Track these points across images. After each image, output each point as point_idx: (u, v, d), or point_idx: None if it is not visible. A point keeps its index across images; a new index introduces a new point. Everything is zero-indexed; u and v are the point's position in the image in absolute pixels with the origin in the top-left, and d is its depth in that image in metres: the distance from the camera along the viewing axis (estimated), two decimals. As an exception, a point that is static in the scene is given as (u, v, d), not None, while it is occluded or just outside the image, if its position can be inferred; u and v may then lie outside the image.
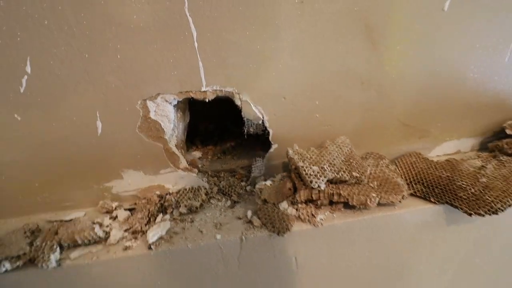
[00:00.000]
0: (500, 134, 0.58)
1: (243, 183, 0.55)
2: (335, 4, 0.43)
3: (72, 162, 0.49)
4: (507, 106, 0.57)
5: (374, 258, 0.50)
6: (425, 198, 0.48)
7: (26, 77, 0.42)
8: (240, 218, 0.47)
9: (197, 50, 0.43)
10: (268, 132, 0.52)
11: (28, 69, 0.42)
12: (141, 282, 0.45)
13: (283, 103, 0.49)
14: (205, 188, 0.53)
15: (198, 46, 0.43)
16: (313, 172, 0.45)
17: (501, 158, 0.53)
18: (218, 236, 0.44)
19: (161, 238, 0.44)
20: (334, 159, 0.47)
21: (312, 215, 0.45)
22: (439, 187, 0.48)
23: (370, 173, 0.48)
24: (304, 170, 0.45)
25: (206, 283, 0.47)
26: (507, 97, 0.56)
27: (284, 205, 0.47)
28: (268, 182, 0.49)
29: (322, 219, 0.45)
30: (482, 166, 0.51)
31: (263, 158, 0.55)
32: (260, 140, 0.63)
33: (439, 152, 0.60)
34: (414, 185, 0.50)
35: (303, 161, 0.46)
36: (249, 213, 0.47)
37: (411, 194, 0.49)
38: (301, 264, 0.48)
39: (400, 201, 0.45)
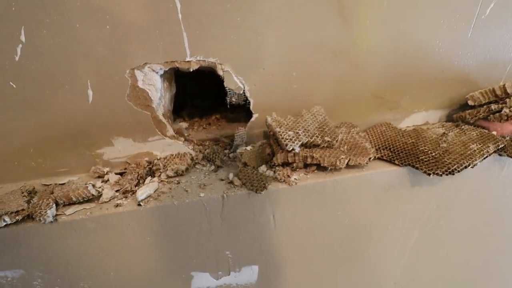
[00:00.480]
0: (465, 107, 0.63)
1: (226, 151, 0.59)
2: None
3: (65, 128, 0.52)
4: (471, 80, 0.62)
5: (345, 218, 0.56)
6: (391, 161, 0.53)
7: (21, 45, 0.45)
8: (222, 180, 0.51)
9: (181, 22, 0.47)
10: (249, 102, 0.55)
11: (23, 38, 0.44)
12: (132, 237, 0.49)
13: (262, 73, 0.53)
14: (191, 154, 0.57)
15: (182, 18, 0.46)
16: (288, 136, 0.49)
17: (462, 126, 0.58)
18: (202, 194, 0.48)
19: (149, 196, 0.48)
20: (309, 125, 0.51)
21: (288, 175, 0.49)
22: (404, 151, 0.53)
23: (342, 139, 0.53)
24: (281, 135, 0.49)
25: (192, 238, 0.51)
26: (470, 71, 0.60)
27: (263, 168, 0.52)
28: (249, 147, 0.53)
29: (296, 179, 0.49)
30: (444, 133, 0.56)
31: (245, 127, 0.59)
32: (243, 112, 0.67)
33: (409, 123, 0.65)
34: (382, 150, 0.55)
35: (280, 127, 0.50)
36: (231, 175, 0.51)
37: (379, 158, 0.54)
38: (278, 222, 0.53)
39: (367, 163, 0.50)
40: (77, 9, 0.43)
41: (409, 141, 0.55)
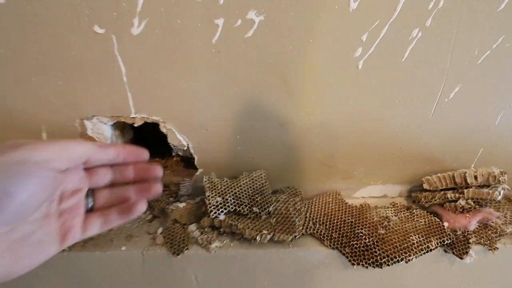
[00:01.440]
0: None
1: (171, 199, 0.60)
2: (250, 55, 0.47)
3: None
4: (436, 159, 0.58)
5: None
6: (321, 240, 0.51)
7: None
8: (150, 234, 0.53)
9: (125, 84, 0.49)
10: (194, 158, 0.57)
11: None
12: (55, 280, 0.52)
13: (206, 134, 0.54)
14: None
15: (127, 80, 0.49)
16: (216, 202, 0.49)
17: (414, 211, 0.55)
18: (123, 248, 0.50)
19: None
20: (242, 192, 0.51)
21: (209, 242, 0.49)
22: (338, 231, 0.51)
23: (276, 209, 0.52)
24: (208, 200, 0.50)
25: (114, 286, 0.53)
26: (434, 151, 0.57)
27: (192, 227, 0.52)
28: (182, 205, 0.54)
29: (217, 246, 0.49)
30: (387, 216, 0.53)
31: (191, 179, 0.60)
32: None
33: (365, 193, 0.62)
34: (318, 226, 0.53)
35: (211, 191, 0.51)
36: (159, 230, 0.53)
37: (311, 234, 0.52)
38: (201, 283, 0.53)
39: (291, 241, 0.49)
40: (34, 65, 0.47)
41: (348, 219, 0.53)
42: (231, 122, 0.53)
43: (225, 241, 0.51)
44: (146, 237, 0.52)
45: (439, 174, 0.55)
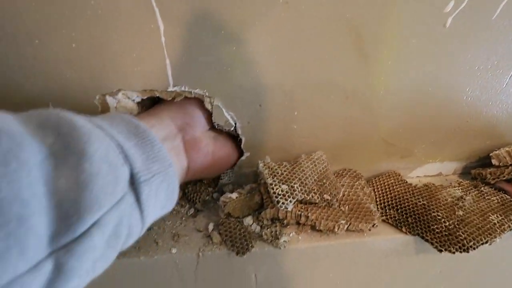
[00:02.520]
0: (485, 159, 0.56)
1: (210, 189, 0.52)
2: (324, 7, 0.38)
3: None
4: (496, 133, 0.54)
5: (337, 281, 0.49)
6: (397, 226, 0.45)
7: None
8: (200, 231, 0.44)
9: (164, 46, 0.38)
10: (241, 139, 0.48)
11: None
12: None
13: (258, 110, 0.45)
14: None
15: (165, 41, 0.38)
16: (281, 191, 0.41)
17: (482, 189, 0.51)
18: (174, 250, 0.41)
19: (111, 247, 0.41)
20: (307, 177, 0.44)
21: (276, 236, 0.42)
22: (413, 215, 0.46)
23: (343, 195, 0.46)
24: (273, 189, 0.42)
25: (159, 294, 0.45)
26: (498, 123, 0.53)
27: (248, 220, 0.45)
28: (234, 195, 0.46)
29: (285, 241, 0.42)
30: (461, 196, 0.48)
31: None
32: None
33: (420, 173, 0.58)
34: (388, 210, 0.47)
35: (272, 178, 0.43)
36: (211, 226, 0.44)
37: (383, 221, 0.47)
38: (260, 282, 0.46)
39: (370, 229, 0.43)
40: (35, 22, 0.35)
41: (420, 202, 0.48)
42: (290, 95, 0.44)
43: (291, 234, 0.43)
44: (196, 235, 0.43)
45: (507, 149, 0.51)
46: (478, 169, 0.55)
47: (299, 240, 0.43)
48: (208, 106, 0.44)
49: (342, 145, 0.51)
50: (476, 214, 0.46)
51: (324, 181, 0.44)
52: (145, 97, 0.43)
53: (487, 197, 0.49)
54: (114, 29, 0.36)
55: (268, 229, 0.43)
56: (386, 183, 0.51)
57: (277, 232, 0.43)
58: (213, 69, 0.41)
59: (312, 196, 0.42)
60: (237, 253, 0.40)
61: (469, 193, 0.50)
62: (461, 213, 0.46)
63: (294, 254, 0.43)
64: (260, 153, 0.49)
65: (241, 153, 0.49)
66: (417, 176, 0.58)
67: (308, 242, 0.43)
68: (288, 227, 0.45)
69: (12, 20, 0.35)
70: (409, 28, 0.41)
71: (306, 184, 0.43)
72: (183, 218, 0.47)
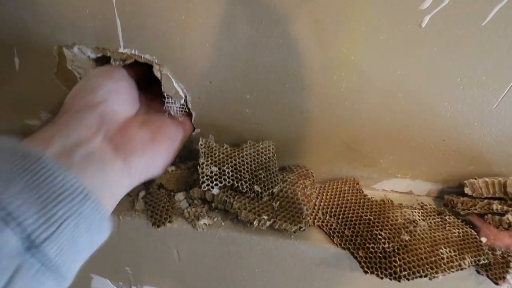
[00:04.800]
0: (463, 188, 0.49)
1: (160, 159, 0.52)
2: (279, -16, 0.35)
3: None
4: (482, 159, 0.47)
5: (264, 278, 0.47)
6: (330, 236, 0.42)
7: None
8: (130, 196, 0.45)
9: (114, 4, 0.38)
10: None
11: None
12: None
13: (209, 87, 0.43)
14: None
15: (115, 1, 0.38)
16: (210, 173, 0.40)
17: (446, 218, 0.45)
18: (97, 208, 0.42)
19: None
20: (243, 165, 0.42)
21: (197, 216, 0.41)
22: (352, 228, 0.42)
23: (281, 191, 0.43)
24: (202, 168, 0.41)
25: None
26: (484, 148, 0.46)
27: (180, 196, 0.44)
28: (171, 168, 0.45)
29: (205, 224, 0.41)
30: (415, 220, 0.43)
31: (186, 139, 0.51)
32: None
33: (387, 186, 0.52)
34: (327, 217, 0.44)
35: (206, 158, 0.42)
36: (141, 194, 0.44)
37: (319, 227, 0.44)
38: (183, 258, 0.46)
39: (294, 232, 0.40)
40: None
41: (365, 216, 0.44)
42: (242, 76, 0.42)
43: (215, 219, 0.42)
44: (125, 199, 0.44)
45: (486, 179, 0.44)
46: (452, 195, 0.49)
47: (221, 226, 0.42)
48: (158, 74, 0.43)
49: (297, 139, 0.48)
50: (425, 243, 0.41)
51: (261, 171, 0.42)
52: (99, 55, 0.43)
53: (448, 227, 0.43)
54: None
55: (193, 208, 0.42)
56: (338, 189, 0.48)
57: (200, 213, 0.42)
58: (162, 36, 0.40)
59: (241, 185, 0.40)
60: (152, 224, 0.40)
61: (429, 219, 0.45)
62: (407, 237, 0.41)
63: (213, 238, 0.42)
64: (210, 131, 0.48)
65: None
66: (383, 190, 0.53)
67: (229, 229, 0.41)
68: (216, 211, 0.43)
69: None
70: (377, 22, 0.36)
71: (239, 171, 0.41)
72: (122, 181, 0.47)
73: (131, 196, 0.44)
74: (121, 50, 0.41)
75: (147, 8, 0.38)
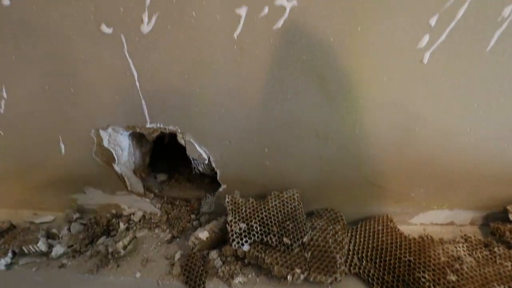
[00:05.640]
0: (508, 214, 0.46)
1: (192, 216, 0.54)
2: (279, 51, 0.38)
3: (45, 174, 0.55)
4: (525, 181, 0.44)
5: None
6: (369, 283, 0.40)
7: (3, 101, 0.47)
8: (167, 259, 0.47)
9: (139, 90, 0.43)
10: (216, 172, 0.49)
11: (5, 94, 0.47)
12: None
13: (229, 146, 0.46)
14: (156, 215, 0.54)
15: (140, 86, 0.43)
16: (239, 230, 0.42)
17: (495, 249, 0.42)
18: (138, 275, 0.44)
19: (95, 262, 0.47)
20: (270, 217, 0.43)
21: (231, 276, 0.42)
22: (392, 273, 0.40)
23: (311, 240, 0.43)
24: (230, 226, 0.42)
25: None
26: (525, 170, 0.43)
27: (213, 254, 0.45)
28: (205, 235, 0.46)
29: (240, 282, 0.42)
30: (459, 257, 0.41)
31: (213, 195, 0.53)
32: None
33: (425, 220, 0.50)
34: (363, 262, 0.42)
35: (233, 214, 0.43)
36: (177, 256, 0.46)
37: (356, 274, 0.42)
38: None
39: (331, 282, 0.39)
40: (48, 75, 0.43)
41: (405, 257, 0.42)
42: (258, 133, 0.45)
43: (250, 275, 0.43)
44: (162, 263, 0.46)
45: (534, 202, 0.41)
46: (498, 223, 0.45)
47: (256, 283, 0.42)
48: (181, 142, 0.47)
49: (321, 184, 0.48)
50: (476, 281, 0.38)
51: (288, 222, 0.42)
52: (130, 132, 0.48)
53: (499, 261, 0.40)
54: (100, 77, 0.43)
55: (227, 267, 0.43)
56: (371, 229, 0.46)
57: (234, 271, 0.42)
58: (182, 109, 0.44)
59: (270, 239, 0.41)
60: None
61: (475, 253, 0.41)
62: (453, 278, 0.38)
63: (249, 296, 0.42)
64: (236, 186, 0.50)
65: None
66: (421, 224, 0.50)
67: (264, 286, 0.41)
68: (250, 266, 0.44)
69: (29, 70, 0.44)
70: (378, 66, 0.37)
71: (267, 224, 0.42)
72: (159, 244, 0.50)
73: (168, 259, 0.47)
74: (148, 125, 0.46)
75: (166, 88, 0.42)
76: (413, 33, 0.35)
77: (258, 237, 0.41)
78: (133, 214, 0.55)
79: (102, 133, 0.48)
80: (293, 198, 0.45)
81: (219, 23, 0.37)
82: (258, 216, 0.43)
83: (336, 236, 0.43)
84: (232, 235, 0.41)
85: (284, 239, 0.41)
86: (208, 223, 0.50)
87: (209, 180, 0.59)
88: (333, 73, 0.38)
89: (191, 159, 0.48)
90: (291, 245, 0.40)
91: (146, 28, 0.38)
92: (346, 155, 0.45)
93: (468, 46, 0.36)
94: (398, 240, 0.44)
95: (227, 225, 0.42)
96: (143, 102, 0.44)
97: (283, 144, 0.45)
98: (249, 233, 0.41)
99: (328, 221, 0.46)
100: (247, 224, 0.42)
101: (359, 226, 0.48)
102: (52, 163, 0.53)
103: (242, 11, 0.36)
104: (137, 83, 0.43)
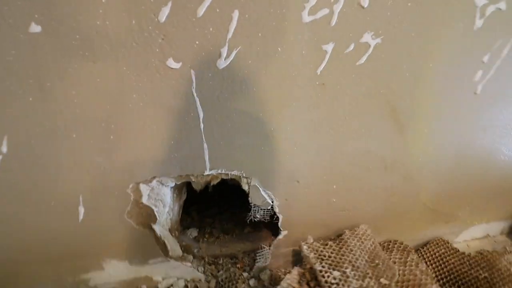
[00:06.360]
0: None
1: (245, 274, 0.47)
2: (360, 87, 0.38)
3: (46, 251, 0.41)
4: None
5: None
6: (465, 309, 0.40)
7: (0, 157, 0.35)
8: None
9: (202, 132, 0.38)
10: (277, 218, 0.45)
11: (4, 148, 0.35)
12: None
13: (296, 187, 0.43)
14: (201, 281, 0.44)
15: (204, 127, 0.37)
16: (334, 279, 0.37)
17: (541, 253, 0.47)
18: None
19: None
20: (357, 258, 0.40)
21: (333, 334, 0.36)
22: (478, 293, 0.41)
23: (399, 275, 0.41)
24: (323, 277, 0.37)
25: None
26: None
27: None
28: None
29: None
30: (525, 266, 0.44)
31: (269, 244, 0.47)
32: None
33: (467, 236, 0.54)
34: (447, 285, 0.42)
35: (321, 262, 0.39)
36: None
37: (447, 302, 0.41)
38: None
39: (438, 318, 0.37)
40: (74, 117, 0.34)
41: (481, 275, 0.43)
42: (329, 168, 0.43)
43: (349, 330, 0.38)
44: None
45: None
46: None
47: (360, 336, 0.37)
48: (245, 187, 0.42)
49: (384, 215, 0.48)
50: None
51: (377, 261, 0.40)
52: (179, 182, 0.41)
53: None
54: (154, 119, 0.36)
55: (323, 326, 0.37)
56: (437, 254, 0.47)
57: (334, 329, 0.37)
58: (251, 151, 0.39)
59: (368, 283, 0.38)
60: None
61: (531, 260, 0.45)
62: (531, 286, 0.41)
63: None
64: (297, 231, 0.46)
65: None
66: (464, 240, 0.54)
67: (370, 338, 0.37)
68: (343, 319, 0.39)
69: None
70: (442, 97, 0.41)
71: (358, 267, 0.39)
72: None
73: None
74: (207, 172, 0.40)
75: (235, 128, 0.38)
76: (471, 69, 0.40)
77: (356, 283, 0.37)
78: (171, 286, 0.45)
79: (142, 187, 0.39)
80: (368, 234, 0.44)
81: (304, 58, 0.36)
82: (345, 259, 0.39)
83: (419, 266, 0.43)
84: (330, 286, 0.36)
85: (382, 280, 0.38)
86: (271, 279, 0.44)
87: (250, 228, 0.53)
88: (405, 105, 0.40)
89: (252, 206, 0.43)
90: (389, 285, 0.38)
91: (223, 63, 0.35)
92: (409, 184, 0.46)
93: (509, 77, 0.42)
94: (465, 259, 0.46)
95: (318, 276, 0.37)
96: (205, 146, 0.38)
97: (352, 178, 0.44)
98: (346, 281, 0.37)
99: (400, 252, 0.45)
100: (338, 271, 0.38)
101: (422, 252, 0.48)
102: (62, 236, 0.40)
103: (329, 48, 0.36)
104: (202, 125, 0.37)
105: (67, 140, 0.35)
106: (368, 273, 0.38)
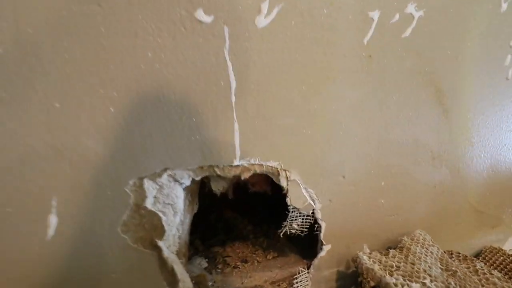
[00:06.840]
0: None
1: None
2: (405, 61, 0.35)
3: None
4: None
5: None
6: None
7: None
8: None
9: (233, 107, 0.30)
10: (318, 227, 0.35)
11: None
12: None
13: (341, 183, 0.35)
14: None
15: (235, 101, 0.30)
16: (415, 293, 0.28)
17: None
18: None
19: None
20: (431, 267, 0.31)
21: None
22: None
23: (483, 285, 0.33)
24: (401, 290, 0.28)
25: None
26: None
27: None
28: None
29: None
30: None
31: (306, 267, 0.37)
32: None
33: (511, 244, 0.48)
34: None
35: (391, 274, 0.29)
36: None
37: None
38: None
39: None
40: (61, 83, 0.25)
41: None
42: (376, 161, 0.36)
43: None
44: None
45: None
46: None
47: None
48: (284, 183, 0.33)
49: (431, 218, 0.41)
50: None
51: (454, 269, 0.32)
52: (198, 177, 0.30)
53: None
54: (171, 86, 0.27)
55: None
56: (497, 262, 0.41)
57: None
58: (291, 135, 0.32)
59: (453, 294, 0.29)
60: None
61: None
62: None
63: None
64: (342, 244, 0.36)
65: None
66: (510, 249, 0.47)
67: None
68: None
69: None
70: (480, 82, 0.39)
71: (435, 276, 0.30)
72: None
73: None
74: (236, 162, 0.30)
75: (274, 103, 0.31)
76: (501, 52, 0.40)
77: (441, 297, 0.28)
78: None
79: (148, 185, 0.29)
80: (429, 240, 0.36)
81: (351, 24, 0.32)
82: (419, 269, 0.31)
83: (494, 273, 0.35)
84: (415, 303, 0.27)
85: (467, 290, 0.29)
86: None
87: (274, 253, 0.42)
88: (449, 85, 0.37)
89: (291, 209, 0.33)
90: (477, 297, 0.29)
91: (263, 21, 0.29)
92: (457, 179, 0.41)
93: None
94: (531, 267, 0.39)
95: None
96: (236, 126, 0.30)
97: (400, 172, 0.38)
98: (430, 295, 0.28)
99: (464, 261, 0.38)
100: (415, 282, 0.29)
101: (482, 261, 0.41)
102: (16, 260, 0.26)
103: (375, 15, 0.32)
104: (233, 98, 0.29)
105: (43, 113, 0.25)
106: (450, 283, 0.30)
